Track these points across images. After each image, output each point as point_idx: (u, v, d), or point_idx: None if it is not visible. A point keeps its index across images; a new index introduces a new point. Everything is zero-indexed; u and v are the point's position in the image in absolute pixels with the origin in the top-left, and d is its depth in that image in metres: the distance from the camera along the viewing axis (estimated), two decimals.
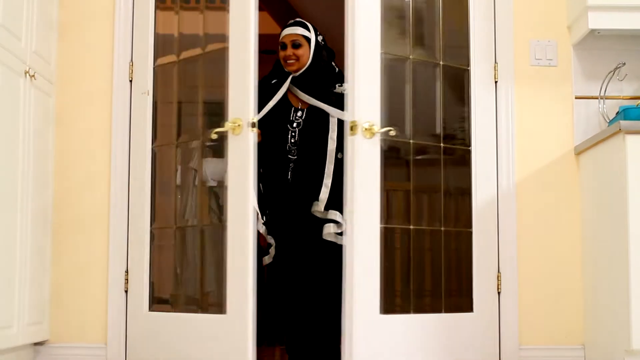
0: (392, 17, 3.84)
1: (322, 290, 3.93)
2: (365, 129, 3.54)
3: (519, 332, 3.87)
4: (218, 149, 3.79)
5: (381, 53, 3.65)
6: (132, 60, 3.99)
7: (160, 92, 3.98)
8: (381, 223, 3.59)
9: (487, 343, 3.84)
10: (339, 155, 3.92)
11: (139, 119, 3.95)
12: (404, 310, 3.76)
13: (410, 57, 3.82)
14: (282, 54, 4.07)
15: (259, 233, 3.81)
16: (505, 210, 3.92)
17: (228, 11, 3.65)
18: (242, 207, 3.51)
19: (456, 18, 4.03)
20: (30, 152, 3.68)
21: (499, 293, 3.88)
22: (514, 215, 3.93)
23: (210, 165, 3.94)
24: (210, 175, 3.96)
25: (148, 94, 3.93)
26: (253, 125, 3.50)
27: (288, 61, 4.04)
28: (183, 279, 3.95)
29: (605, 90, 3.98)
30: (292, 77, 4.04)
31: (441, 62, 3.92)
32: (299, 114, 4.05)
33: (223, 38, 3.68)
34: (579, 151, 3.93)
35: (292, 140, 4.02)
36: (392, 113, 3.74)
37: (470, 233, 3.89)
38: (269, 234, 4.05)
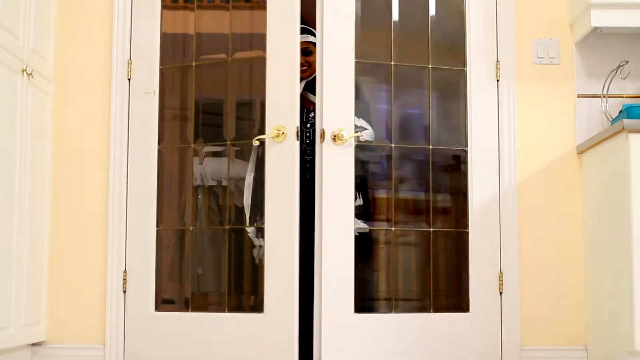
0: (371, 21, 3.91)
1: None
2: (335, 135, 3.66)
3: (521, 332, 3.86)
4: (240, 154, 3.92)
5: (355, 60, 3.75)
6: (130, 58, 3.97)
7: (169, 92, 4.00)
8: (356, 225, 3.71)
9: (487, 343, 3.83)
10: None
11: (142, 119, 3.93)
12: (386, 309, 3.84)
13: (392, 63, 3.88)
14: None
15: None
16: (507, 210, 3.90)
17: (265, 9, 3.72)
18: (287, 211, 3.62)
19: (451, 19, 4.03)
20: (28, 151, 3.66)
21: (500, 293, 3.86)
22: (516, 215, 3.91)
23: (210, 165, 3.93)
24: (210, 175, 3.96)
25: (154, 94, 3.92)
26: (298, 133, 3.63)
27: (301, 68, 4.09)
28: (204, 279, 3.96)
29: (607, 89, 3.97)
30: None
31: (430, 66, 3.93)
32: (312, 114, 4.20)
33: (250, 38, 3.71)
34: (582, 150, 3.90)
35: (307, 141, 4.16)
36: (373, 119, 3.90)
37: (467, 233, 3.87)
38: None
